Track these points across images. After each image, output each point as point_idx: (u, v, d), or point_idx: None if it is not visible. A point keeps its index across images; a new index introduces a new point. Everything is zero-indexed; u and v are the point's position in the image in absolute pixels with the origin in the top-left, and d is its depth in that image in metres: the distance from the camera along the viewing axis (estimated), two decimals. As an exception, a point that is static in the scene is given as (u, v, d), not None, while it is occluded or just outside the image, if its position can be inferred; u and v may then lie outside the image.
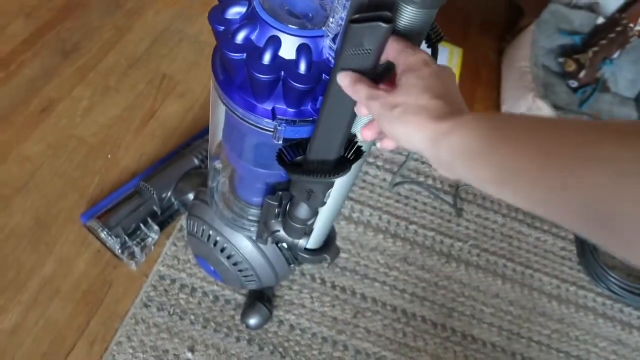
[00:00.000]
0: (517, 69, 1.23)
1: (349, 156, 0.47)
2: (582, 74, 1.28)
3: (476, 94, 1.31)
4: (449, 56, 1.38)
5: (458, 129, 0.32)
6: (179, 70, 1.10)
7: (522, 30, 1.33)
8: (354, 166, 0.49)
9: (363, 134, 0.41)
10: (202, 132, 0.98)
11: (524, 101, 1.12)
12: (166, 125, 1.01)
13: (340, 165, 0.47)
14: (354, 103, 0.40)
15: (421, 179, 1.09)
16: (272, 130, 0.48)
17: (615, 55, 1.28)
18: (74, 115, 0.98)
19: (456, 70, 1.35)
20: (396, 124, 0.35)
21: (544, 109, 1.08)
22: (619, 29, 1.26)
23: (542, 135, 0.29)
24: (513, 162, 0.30)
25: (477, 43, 1.45)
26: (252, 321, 0.80)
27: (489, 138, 0.31)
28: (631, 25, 1.26)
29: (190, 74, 1.10)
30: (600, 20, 1.32)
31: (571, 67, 1.30)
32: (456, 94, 0.36)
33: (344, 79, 0.38)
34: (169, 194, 0.85)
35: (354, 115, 0.43)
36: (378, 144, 0.42)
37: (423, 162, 1.12)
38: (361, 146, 0.47)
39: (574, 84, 1.31)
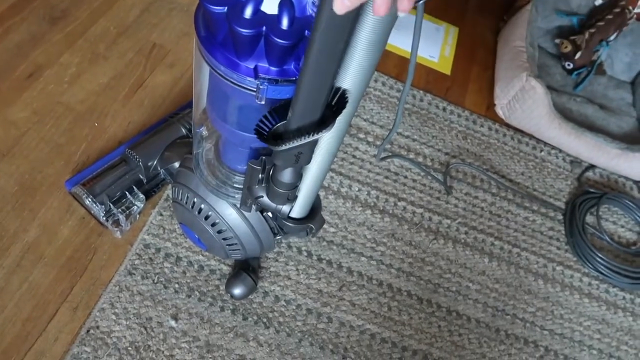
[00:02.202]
0: (512, 48, 1.22)
1: (333, 105, 0.46)
2: (577, 56, 1.27)
3: (471, 74, 1.30)
4: (445, 35, 1.36)
5: None
6: (169, 39, 1.08)
7: (520, 9, 1.31)
8: (341, 123, 0.49)
9: (375, 9, 0.33)
10: (191, 102, 0.97)
11: (517, 80, 1.11)
12: (155, 94, 0.99)
13: (326, 119, 0.46)
14: (340, 52, 0.39)
15: (411, 156, 1.08)
16: (255, 90, 0.47)
17: (613, 37, 1.27)
18: (61, 82, 0.96)
19: (451, 50, 1.34)
20: None
21: (538, 89, 1.08)
22: (617, 10, 1.25)
23: None
24: None
25: (475, 22, 1.44)
26: (237, 291, 0.79)
27: None
28: (630, 7, 1.25)
29: (180, 44, 1.08)
30: (599, 1, 1.31)
31: (567, 48, 1.28)
32: None
33: None
34: (155, 162, 0.84)
35: (339, 66, 0.42)
36: (399, 12, 0.34)
37: (414, 140, 1.11)
38: (345, 96, 0.46)
39: (569, 65, 1.30)
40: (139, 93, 0.99)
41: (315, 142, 0.50)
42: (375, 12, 0.33)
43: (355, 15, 0.37)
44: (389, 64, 1.21)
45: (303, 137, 0.45)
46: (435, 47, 1.31)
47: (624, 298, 1.02)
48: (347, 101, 0.45)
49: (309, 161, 0.52)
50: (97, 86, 0.98)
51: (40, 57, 0.98)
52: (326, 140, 0.52)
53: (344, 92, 0.45)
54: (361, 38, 0.40)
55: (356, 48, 0.41)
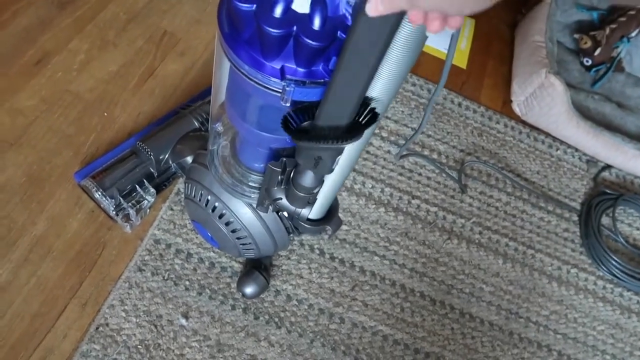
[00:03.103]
0: (531, 43, 1.19)
1: (361, 120, 0.44)
2: (597, 52, 1.24)
3: (487, 68, 1.27)
4: (461, 28, 1.33)
5: None
6: (180, 27, 1.05)
7: (539, 3, 1.28)
8: (368, 133, 0.46)
9: (410, 18, 0.33)
10: (203, 93, 0.95)
11: (536, 76, 1.09)
12: (166, 83, 0.97)
13: (353, 130, 0.44)
14: (374, 65, 0.37)
15: (426, 152, 1.06)
16: (280, 91, 0.45)
17: (634, 33, 1.23)
18: (69, 69, 0.93)
19: (467, 42, 1.30)
20: None
21: (557, 86, 1.05)
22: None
23: None
24: None
25: (491, 15, 1.40)
26: (249, 290, 0.78)
27: None
28: (652, 3, 1.21)
29: (192, 32, 1.05)
30: (621, -4, 1.27)
31: (587, 44, 1.25)
32: None
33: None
34: (167, 156, 0.82)
35: (370, 80, 0.40)
36: (426, 32, 0.35)
37: (429, 136, 1.09)
38: (375, 109, 0.44)
39: (588, 61, 1.27)
40: (150, 82, 0.96)
41: (338, 151, 0.48)
42: (371, 12, 0.31)
43: (395, 22, 0.34)
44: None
45: (326, 142, 0.43)
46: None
47: (638, 302, 1.00)
48: (377, 115, 0.43)
49: (330, 171, 0.50)
50: (106, 74, 0.95)
51: (49, 43, 0.95)
52: (351, 146, 0.50)
53: (374, 107, 0.43)
54: (396, 47, 0.38)
55: (393, 51, 0.39)
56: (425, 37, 0.39)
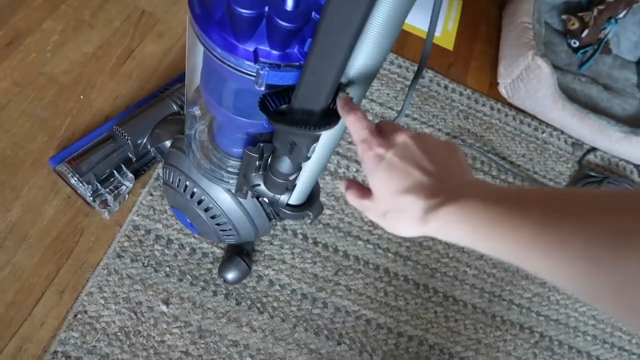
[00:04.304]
0: (518, 24, 1.17)
1: (336, 108, 0.42)
2: (584, 34, 1.23)
3: (474, 50, 1.26)
4: (448, 9, 1.31)
5: (445, 224, 0.32)
6: (158, 7, 1.02)
7: (527, -17, 1.26)
8: (341, 121, 0.45)
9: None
10: (182, 76, 0.91)
11: (523, 59, 1.07)
12: (144, 66, 0.94)
13: (327, 118, 0.42)
14: (349, 46, 0.35)
15: (411, 135, 1.05)
16: (254, 74, 0.43)
17: (622, 14, 1.22)
18: (43, 51, 0.90)
19: (454, 24, 1.28)
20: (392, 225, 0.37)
21: (544, 68, 1.04)
22: (627, -14, 1.20)
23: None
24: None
25: (478, -5, 1.38)
26: (230, 275, 0.77)
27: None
28: (641, -17, 1.20)
29: (171, 12, 1.02)
30: (609, -24, 1.26)
31: (574, 25, 1.24)
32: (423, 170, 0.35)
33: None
34: (145, 140, 0.80)
35: (345, 62, 0.38)
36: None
37: (415, 119, 1.07)
38: (351, 97, 0.42)
39: (575, 43, 1.26)
40: (127, 64, 0.94)
41: (314, 138, 0.47)
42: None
43: (368, 1, 0.33)
44: (389, 37, 1.16)
45: (301, 127, 0.42)
46: (438, 21, 1.26)
47: (619, 284, 1.01)
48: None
49: (305, 159, 0.48)
50: (82, 56, 0.92)
51: (21, 23, 0.92)
52: (329, 133, 0.49)
53: (349, 93, 0.42)
54: (376, 20, 0.36)
55: (368, 33, 0.37)
56: (404, 17, 0.38)
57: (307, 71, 0.39)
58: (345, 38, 0.36)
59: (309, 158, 0.50)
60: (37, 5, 0.94)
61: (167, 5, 1.02)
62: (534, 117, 1.17)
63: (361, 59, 0.40)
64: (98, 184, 0.77)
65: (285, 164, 0.52)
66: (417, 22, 1.21)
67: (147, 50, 0.96)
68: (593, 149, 1.17)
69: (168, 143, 0.78)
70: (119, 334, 0.72)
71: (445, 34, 1.24)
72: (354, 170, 0.96)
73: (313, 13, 0.39)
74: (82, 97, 0.88)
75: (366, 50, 0.40)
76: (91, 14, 0.97)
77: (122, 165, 0.79)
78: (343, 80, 0.42)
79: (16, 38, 0.90)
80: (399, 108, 1.07)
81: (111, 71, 0.92)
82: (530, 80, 1.07)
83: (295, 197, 0.62)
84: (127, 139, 0.78)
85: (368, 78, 0.44)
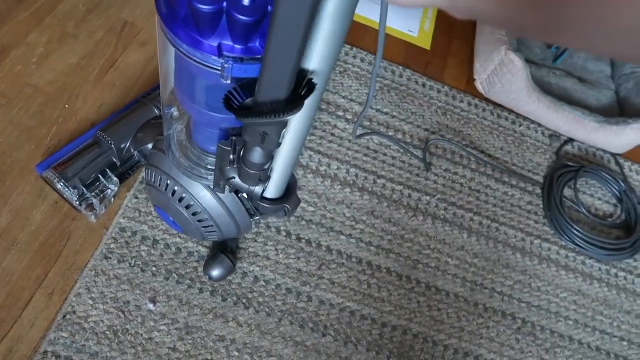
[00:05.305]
0: (492, 22, 1.20)
1: (300, 92, 0.45)
2: (557, 29, 1.27)
3: (451, 47, 1.29)
4: (424, 9, 1.34)
5: None
6: (140, 17, 1.05)
7: (499, -18, 1.30)
8: (311, 104, 0.48)
9: None
10: (165, 82, 0.95)
11: (496, 54, 1.11)
12: (127, 74, 0.97)
13: (292, 102, 0.45)
14: (303, 31, 0.38)
15: (391, 132, 1.08)
16: (220, 68, 0.46)
17: (591, 9, 1.26)
18: (28, 62, 0.93)
19: (431, 24, 1.32)
20: None
21: (516, 62, 1.07)
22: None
23: None
24: None
25: (454, -4, 1.42)
26: (215, 273, 0.79)
27: None
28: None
29: (152, 22, 1.05)
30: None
31: (547, 21, 1.27)
32: None
33: None
34: (128, 144, 0.82)
35: (303, 47, 0.41)
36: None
37: (393, 116, 1.10)
38: (312, 79, 0.45)
39: (548, 38, 1.29)
40: (111, 73, 0.96)
41: (282, 125, 0.49)
42: None
43: None
44: (367, 39, 1.19)
45: (268, 116, 0.44)
46: (415, 21, 1.29)
47: (599, 269, 1.04)
48: (315, 85, 0.44)
49: (277, 145, 0.51)
50: (66, 66, 0.95)
51: (6, 37, 0.94)
52: (296, 119, 0.51)
53: (311, 78, 0.44)
54: (328, 8, 0.39)
55: (323, 20, 0.40)
56: (354, 7, 0.40)
57: (266, 62, 0.42)
58: (298, 28, 0.38)
59: (280, 144, 0.52)
60: (22, 18, 0.97)
61: (148, 15, 1.06)
62: (510, 111, 1.20)
63: (319, 46, 0.43)
64: (84, 189, 0.79)
65: (256, 155, 0.54)
66: (395, 23, 1.24)
67: (129, 59, 0.99)
68: (570, 140, 1.20)
69: (150, 146, 0.80)
70: (107, 332, 0.74)
71: (422, 34, 1.28)
72: (335, 167, 0.99)
73: (269, 7, 0.42)
74: (67, 105, 0.91)
75: (322, 39, 0.42)
76: (75, 25, 1.00)
77: (107, 170, 0.81)
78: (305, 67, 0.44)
79: (2, 51, 0.93)
80: (378, 106, 1.10)
81: (95, 80, 0.95)
82: (504, 74, 1.10)
83: (271, 190, 0.64)
84: (111, 144, 0.81)
85: (328, 66, 0.46)
